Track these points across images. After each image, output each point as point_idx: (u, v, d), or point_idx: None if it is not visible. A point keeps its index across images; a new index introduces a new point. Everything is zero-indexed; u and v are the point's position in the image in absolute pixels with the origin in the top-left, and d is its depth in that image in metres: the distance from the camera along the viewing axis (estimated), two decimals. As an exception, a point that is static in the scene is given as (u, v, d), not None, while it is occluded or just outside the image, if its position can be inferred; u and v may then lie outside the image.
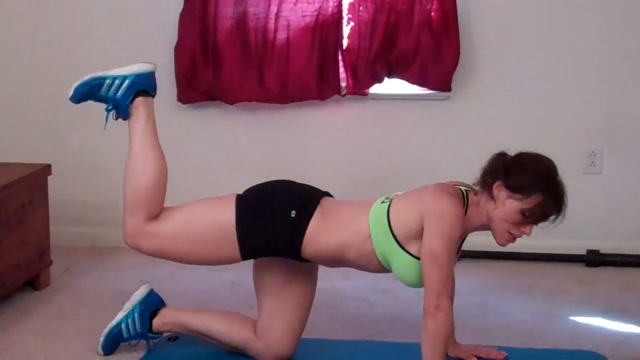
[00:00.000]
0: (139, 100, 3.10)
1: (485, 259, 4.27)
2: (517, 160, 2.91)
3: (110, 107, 3.10)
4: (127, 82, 3.08)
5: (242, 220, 2.97)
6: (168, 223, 3.03)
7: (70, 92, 3.06)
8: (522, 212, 2.86)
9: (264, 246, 2.98)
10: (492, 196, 2.89)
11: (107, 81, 3.08)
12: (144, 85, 3.11)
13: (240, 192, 3.07)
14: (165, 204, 3.10)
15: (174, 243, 3.03)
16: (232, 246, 2.98)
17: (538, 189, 2.85)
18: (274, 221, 2.95)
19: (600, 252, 4.31)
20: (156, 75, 3.17)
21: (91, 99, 3.10)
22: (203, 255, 3.03)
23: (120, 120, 3.12)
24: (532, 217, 2.87)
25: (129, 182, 3.07)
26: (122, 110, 3.09)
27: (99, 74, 3.09)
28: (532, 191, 2.85)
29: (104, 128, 3.10)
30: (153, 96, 3.14)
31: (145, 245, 3.06)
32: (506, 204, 2.87)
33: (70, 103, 3.07)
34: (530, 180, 2.85)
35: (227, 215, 2.98)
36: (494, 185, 2.87)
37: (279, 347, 3.12)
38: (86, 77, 3.08)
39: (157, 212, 3.05)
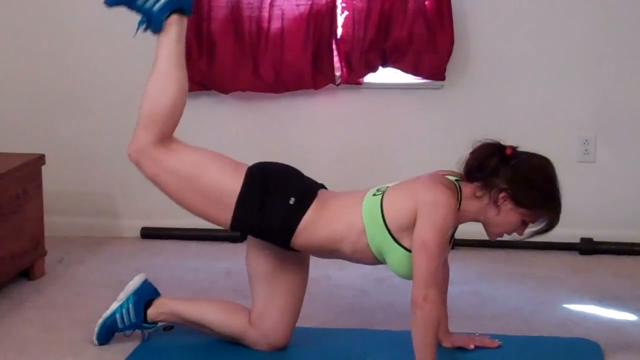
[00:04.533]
0: (174, 17, 3.05)
1: (478, 247, 4.27)
2: (522, 172, 2.90)
3: (143, 19, 3.05)
4: None
5: (244, 194, 2.96)
6: (177, 157, 3.02)
7: None
8: (524, 222, 2.92)
9: (256, 225, 2.98)
10: (495, 203, 2.90)
11: None
12: (182, 4, 3.06)
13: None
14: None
15: (171, 178, 3.02)
16: (226, 212, 2.97)
17: (545, 206, 2.90)
18: (272, 204, 2.95)
19: (594, 240, 4.31)
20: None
21: (126, 5, 3.05)
22: (193, 205, 3.02)
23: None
24: (531, 224, 2.93)
25: (149, 96, 3.04)
26: (155, 24, 3.04)
27: None
28: (539, 207, 2.90)
29: (134, 37, 3.06)
30: (188, 16, 3.10)
31: (145, 166, 3.04)
32: (510, 215, 2.90)
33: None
34: (539, 198, 2.89)
35: (234, 184, 2.97)
36: (500, 196, 2.89)
37: (274, 336, 3.12)
38: None
39: (169, 134, 3.03)
